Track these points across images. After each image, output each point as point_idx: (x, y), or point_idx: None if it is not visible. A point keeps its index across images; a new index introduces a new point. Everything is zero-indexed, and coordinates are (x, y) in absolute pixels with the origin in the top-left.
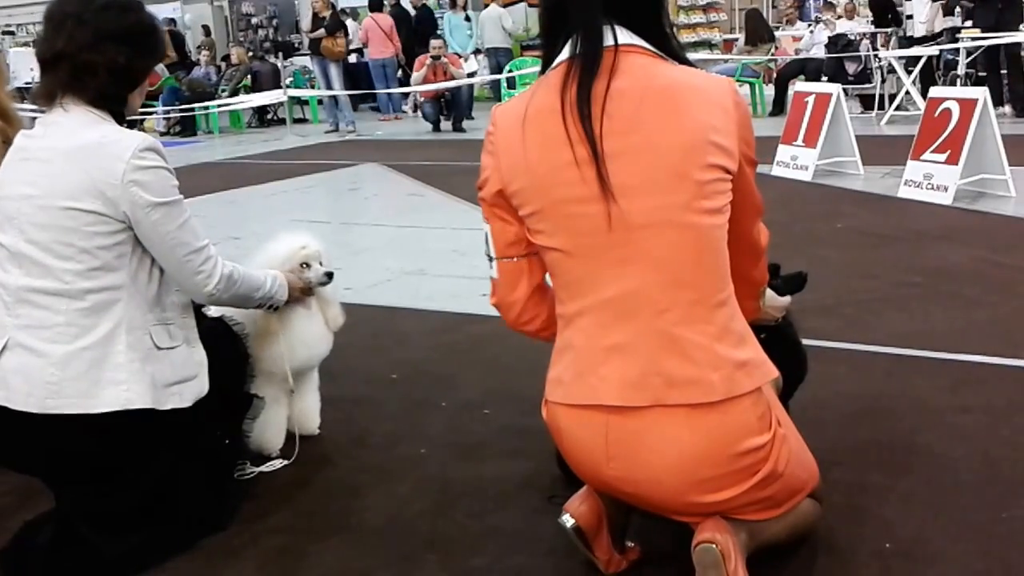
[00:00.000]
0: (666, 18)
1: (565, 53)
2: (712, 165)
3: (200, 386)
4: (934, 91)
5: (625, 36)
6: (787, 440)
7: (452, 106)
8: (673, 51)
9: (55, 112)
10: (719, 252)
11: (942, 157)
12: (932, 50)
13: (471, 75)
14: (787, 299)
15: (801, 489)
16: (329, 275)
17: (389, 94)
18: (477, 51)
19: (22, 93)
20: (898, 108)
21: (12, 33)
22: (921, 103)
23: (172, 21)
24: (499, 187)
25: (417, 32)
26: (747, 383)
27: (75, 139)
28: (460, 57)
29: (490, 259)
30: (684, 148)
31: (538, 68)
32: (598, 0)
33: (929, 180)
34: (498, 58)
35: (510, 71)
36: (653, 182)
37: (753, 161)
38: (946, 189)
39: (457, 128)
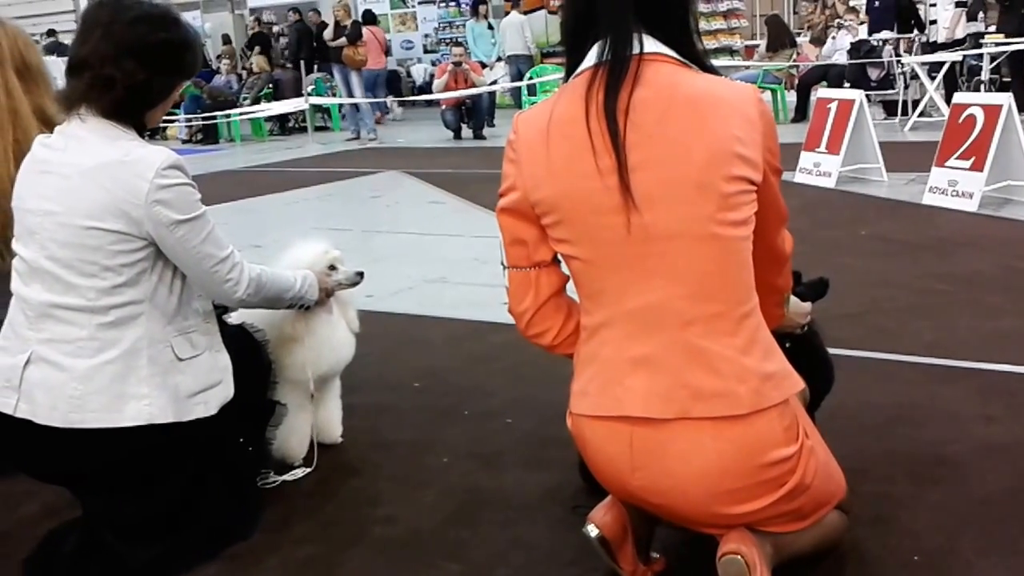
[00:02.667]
0: (694, 25)
1: (590, 59)
2: (736, 177)
3: (225, 392)
4: (958, 97)
5: (651, 44)
6: (814, 452)
7: (473, 113)
8: (698, 58)
9: (73, 122)
10: (744, 263)
11: (967, 164)
12: (955, 56)
13: (493, 83)
14: (808, 305)
15: (828, 501)
16: (360, 274)
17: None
18: (499, 59)
19: None
20: (922, 114)
21: (38, 41)
22: (945, 109)
23: (259, 20)
24: (522, 196)
25: (317, 47)
26: (774, 395)
27: (97, 156)
28: (485, 66)
29: (503, 267)
30: (708, 160)
31: (559, 75)
32: (629, 6)
33: (954, 187)
34: (519, 65)
35: (531, 78)
36: (677, 193)
37: (778, 170)
38: (971, 196)
39: (478, 136)
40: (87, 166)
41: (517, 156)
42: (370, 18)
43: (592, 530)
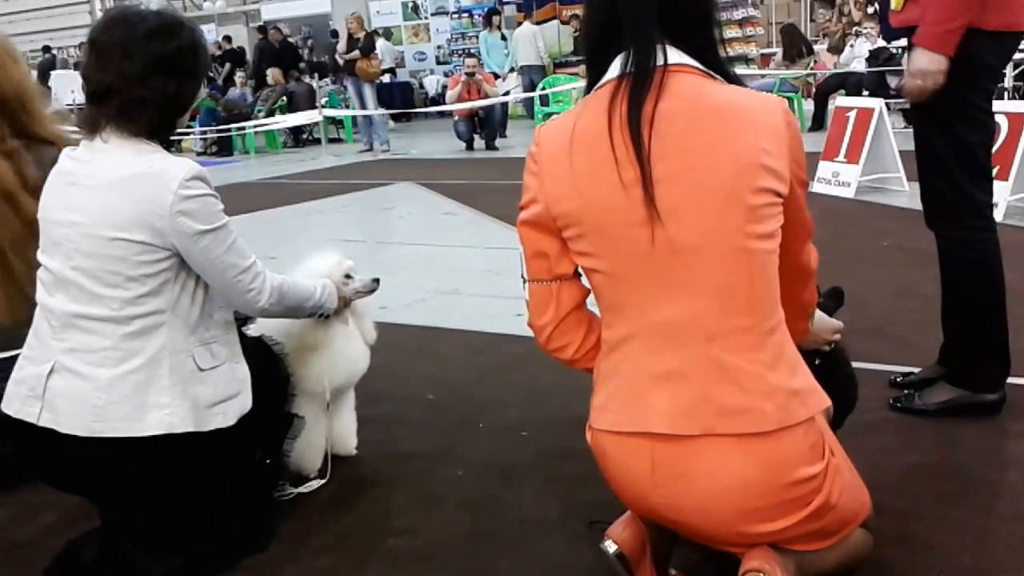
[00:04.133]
0: (718, 35)
1: (614, 71)
2: (763, 189)
3: (244, 402)
4: None
5: (675, 55)
6: (840, 470)
7: (485, 124)
8: (723, 69)
9: (97, 140)
10: (770, 277)
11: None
12: None
13: (505, 94)
14: (839, 323)
15: (853, 520)
16: (376, 281)
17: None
18: (511, 69)
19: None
20: None
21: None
22: None
23: (228, 39)
24: (543, 208)
25: (283, 62)
26: (801, 412)
27: (122, 168)
28: (498, 77)
29: (524, 280)
30: (735, 171)
31: (571, 85)
32: (652, 17)
33: None
34: (531, 76)
35: (543, 89)
36: (703, 206)
37: (804, 183)
38: (995, 206)
39: (490, 146)
40: (112, 178)
41: (539, 168)
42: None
43: (610, 546)
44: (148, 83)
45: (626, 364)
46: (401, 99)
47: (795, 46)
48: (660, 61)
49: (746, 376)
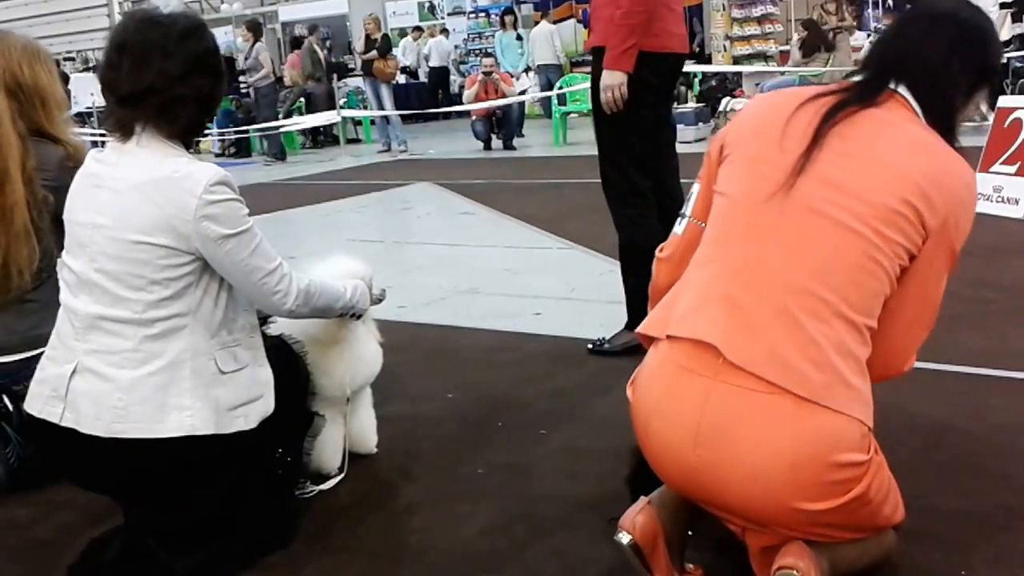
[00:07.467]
0: (959, 117)
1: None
2: (909, 202)
3: (266, 406)
4: (1003, 100)
5: (906, 91)
6: (882, 468)
7: (503, 124)
8: (947, 136)
9: (129, 143)
10: (871, 279)
11: (1012, 168)
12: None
13: (522, 93)
14: None
15: (884, 523)
16: (383, 291)
17: None
18: (527, 69)
19: (83, 118)
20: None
21: (73, 59)
22: (989, 113)
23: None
24: (722, 141)
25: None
26: (844, 405)
27: (147, 172)
28: (512, 76)
29: (683, 217)
30: (894, 175)
31: (588, 84)
32: (916, 62)
33: (999, 193)
34: (548, 75)
35: (560, 88)
36: (847, 184)
37: (952, 251)
38: (1017, 202)
39: (508, 146)
40: (138, 181)
41: (743, 111)
42: (297, 43)
43: (624, 537)
44: (189, 81)
45: (707, 280)
46: (418, 100)
47: (813, 42)
48: (893, 86)
49: (809, 342)
